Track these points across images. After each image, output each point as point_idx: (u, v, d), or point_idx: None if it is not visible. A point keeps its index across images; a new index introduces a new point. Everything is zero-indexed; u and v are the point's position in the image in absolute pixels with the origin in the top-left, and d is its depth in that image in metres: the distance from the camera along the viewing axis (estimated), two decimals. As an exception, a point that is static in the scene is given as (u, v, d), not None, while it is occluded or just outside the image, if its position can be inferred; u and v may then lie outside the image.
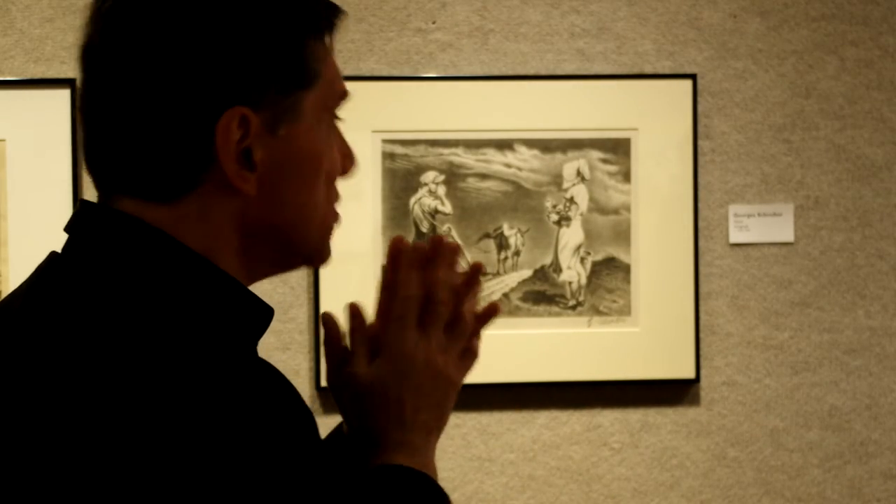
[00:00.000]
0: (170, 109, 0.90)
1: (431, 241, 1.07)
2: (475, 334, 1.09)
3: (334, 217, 1.02)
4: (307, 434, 0.90)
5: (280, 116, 0.94)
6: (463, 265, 1.08)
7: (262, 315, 0.97)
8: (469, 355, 1.08)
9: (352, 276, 2.21)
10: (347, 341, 1.09)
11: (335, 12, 0.99)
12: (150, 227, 0.91)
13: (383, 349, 1.05)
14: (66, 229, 0.96)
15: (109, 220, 0.93)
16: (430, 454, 1.04)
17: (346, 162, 1.03)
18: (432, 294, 1.06)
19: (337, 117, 1.01)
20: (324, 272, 2.20)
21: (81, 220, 0.95)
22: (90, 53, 0.94)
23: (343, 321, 1.12)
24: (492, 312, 1.10)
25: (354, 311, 1.09)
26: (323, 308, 2.22)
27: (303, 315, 2.24)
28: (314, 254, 1.02)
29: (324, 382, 2.23)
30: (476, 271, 1.08)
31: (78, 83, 0.97)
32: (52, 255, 0.96)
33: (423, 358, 1.04)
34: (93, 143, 0.95)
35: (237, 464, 0.81)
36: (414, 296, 1.06)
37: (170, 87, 0.90)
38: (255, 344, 0.98)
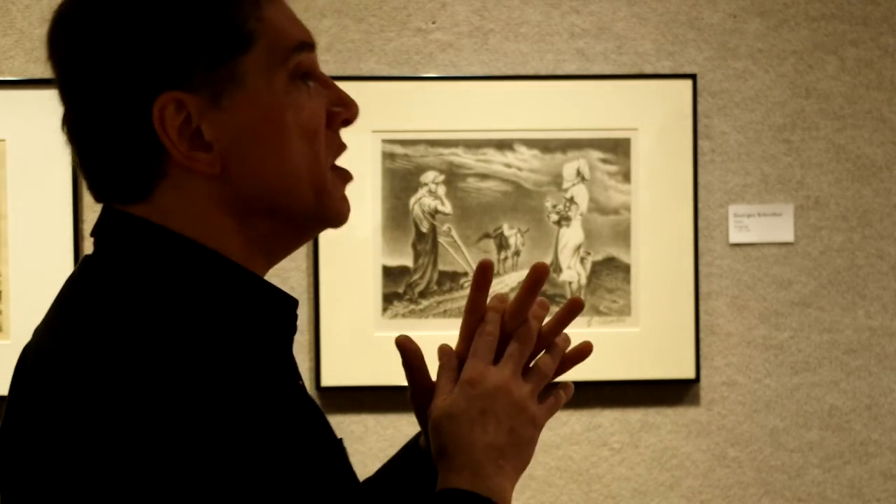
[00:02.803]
0: (107, 110, 0.91)
1: (525, 296, 1.05)
2: (561, 371, 1.08)
3: (330, 171, 0.98)
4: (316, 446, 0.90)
5: (219, 89, 0.92)
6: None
7: (285, 306, 0.96)
8: (552, 401, 1.06)
9: (351, 276, 2.21)
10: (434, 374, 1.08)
11: None
12: (155, 227, 0.92)
13: (460, 381, 1.03)
14: (91, 234, 0.97)
15: (119, 223, 0.94)
16: (500, 481, 1.00)
17: (342, 112, 0.99)
18: (513, 333, 1.05)
19: (308, 70, 0.96)
20: (323, 272, 2.20)
21: (100, 225, 0.97)
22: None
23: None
24: (585, 352, 1.09)
25: (444, 350, 1.07)
26: (322, 307, 2.22)
27: (303, 315, 2.24)
28: (321, 214, 0.98)
29: (324, 382, 2.23)
30: (569, 313, 1.07)
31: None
32: (84, 259, 0.97)
33: (493, 383, 1.01)
34: (75, 157, 0.97)
35: (230, 468, 0.81)
36: (493, 334, 1.04)
37: (101, 89, 0.91)
38: (290, 338, 0.97)
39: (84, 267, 0.95)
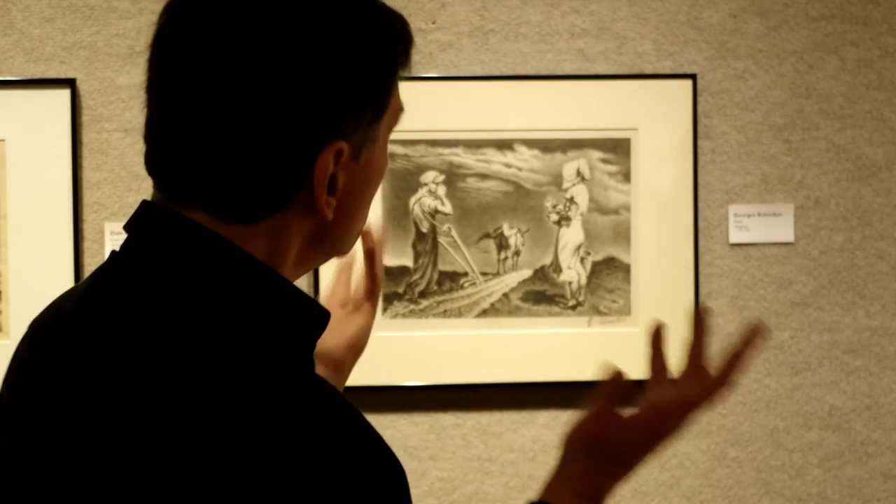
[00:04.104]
0: (273, 138, 0.90)
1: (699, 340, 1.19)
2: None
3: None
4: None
5: (363, 143, 0.95)
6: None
7: (320, 318, 0.98)
8: None
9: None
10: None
11: (411, 42, 0.99)
12: (218, 237, 0.91)
13: (650, 406, 1.16)
14: (127, 228, 0.95)
15: (178, 227, 0.92)
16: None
17: None
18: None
19: None
20: (323, 272, 2.20)
21: (145, 223, 0.94)
22: (182, 58, 0.91)
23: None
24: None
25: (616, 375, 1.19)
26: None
27: (303, 315, 2.24)
28: (346, 251, 1.03)
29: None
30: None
31: (150, 80, 0.94)
32: (113, 254, 0.96)
33: (668, 434, 1.15)
34: (168, 149, 0.92)
35: (272, 471, 0.81)
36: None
37: (277, 117, 0.89)
38: (312, 346, 0.98)
39: (116, 262, 0.94)
